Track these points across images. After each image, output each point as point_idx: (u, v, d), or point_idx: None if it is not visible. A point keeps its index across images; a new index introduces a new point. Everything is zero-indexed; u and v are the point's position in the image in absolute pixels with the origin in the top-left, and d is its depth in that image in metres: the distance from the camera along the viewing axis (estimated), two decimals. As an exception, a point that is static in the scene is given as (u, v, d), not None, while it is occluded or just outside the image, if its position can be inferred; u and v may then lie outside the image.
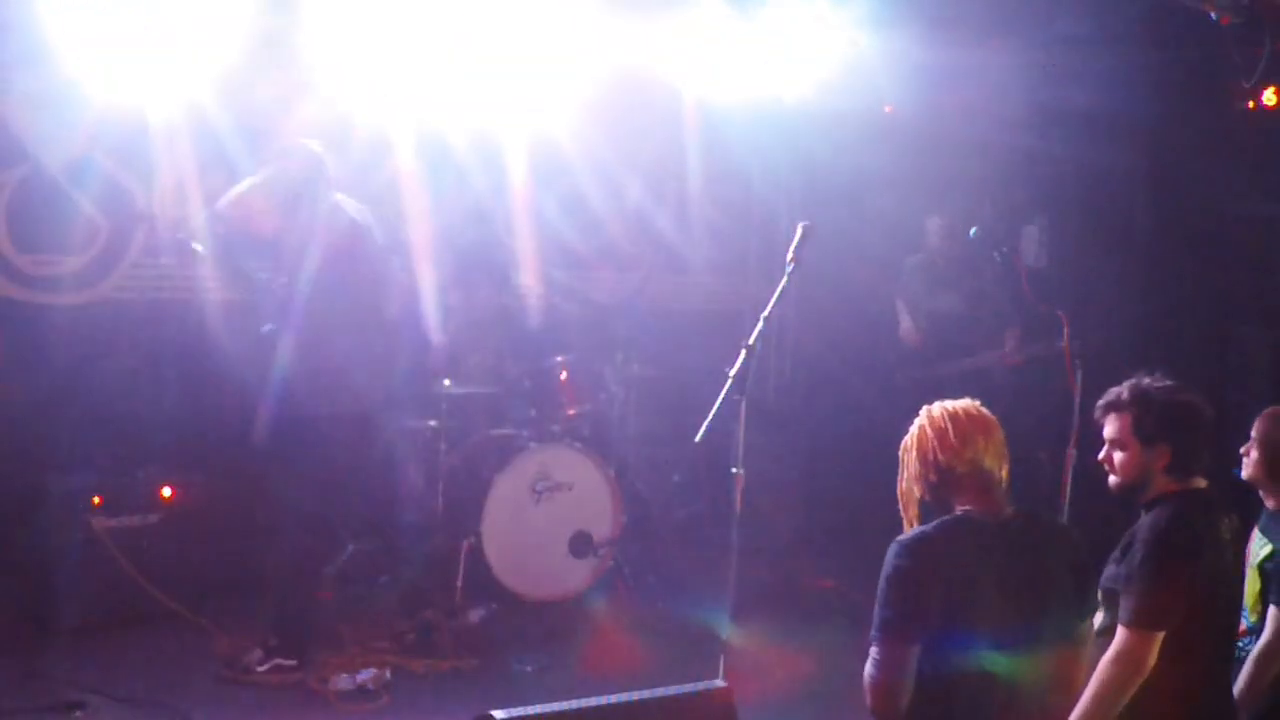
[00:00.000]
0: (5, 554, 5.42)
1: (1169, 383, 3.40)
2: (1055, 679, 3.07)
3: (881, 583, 2.95)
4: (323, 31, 5.94)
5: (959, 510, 3.02)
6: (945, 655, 2.88)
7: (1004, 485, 3.06)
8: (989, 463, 3.02)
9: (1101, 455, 3.48)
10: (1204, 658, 3.37)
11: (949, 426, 3.04)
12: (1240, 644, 3.70)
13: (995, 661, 2.88)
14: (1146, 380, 3.43)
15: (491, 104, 6.79)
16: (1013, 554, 2.98)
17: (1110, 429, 3.44)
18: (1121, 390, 3.45)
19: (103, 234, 6.30)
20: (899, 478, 3.15)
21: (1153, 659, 3.21)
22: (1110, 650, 3.22)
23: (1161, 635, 3.21)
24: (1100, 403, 3.48)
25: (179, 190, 6.43)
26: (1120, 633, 3.23)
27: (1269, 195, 6.40)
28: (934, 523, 3.00)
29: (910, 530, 3.00)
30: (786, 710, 4.94)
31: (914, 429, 3.13)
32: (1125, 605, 3.24)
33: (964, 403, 3.12)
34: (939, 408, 3.12)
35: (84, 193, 6.21)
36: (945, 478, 3.03)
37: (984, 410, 3.11)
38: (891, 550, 2.95)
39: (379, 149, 6.90)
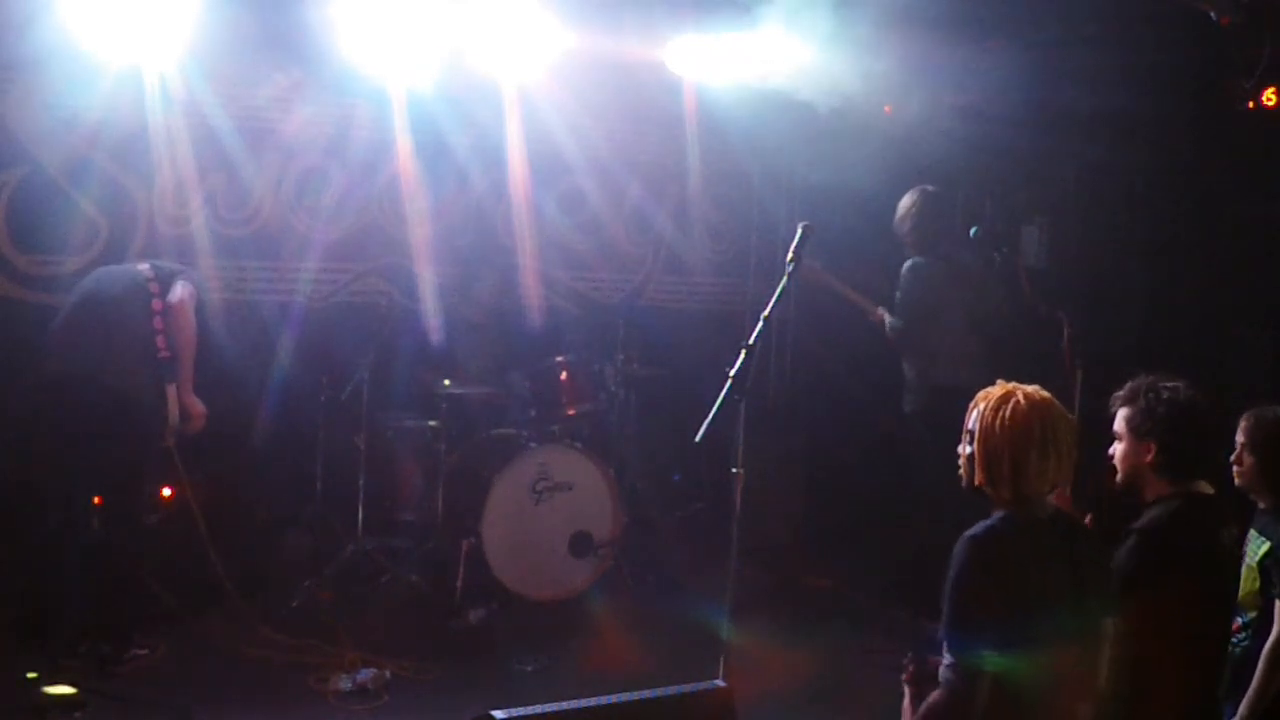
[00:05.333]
0: (4, 554, 5.42)
1: (1175, 383, 3.41)
2: (1087, 676, 3.06)
3: (955, 578, 2.89)
4: (325, 28, 5.96)
5: (1005, 510, 2.99)
6: (1009, 651, 2.86)
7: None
8: (1048, 483, 2.99)
9: (1110, 449, 3.50)
10: (1198, 662, 3.39)
11: (1044, 447, 2.93)
12: (1234, 640, 3.70)
13: (1043, 658, 2.87)
14: (1152, 377, 3.43)
15: (491, 102, 6.81)
16: (1058, 552, 2.97)
17: (1115, 423, 3.48)
18: (1127, 385, 3.47)
19: (103, 234, 6.31)
20: (969, 437, 3.03)
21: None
22: None
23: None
24: (1112, 398, 3.50)
25: (179, 190, 6.45)
26: None
27: (1269, 195, 6.39)
28: (996, 519, 2.96)
29: (978, 526, 2.96)
30: (786, 710, 4.94)
31: (1009, 415, 2.95)
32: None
33: (1043, 402, 2.99)
34: (1033, 407, 2.95)
35: (84, 193, 6.22)
36: (1014, 483, 2.97)
37: (1055, 413, 2.99)
38: (962, 545, 2.91)
39: (379, 149, 6.92)
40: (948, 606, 2.92)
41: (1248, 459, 3.75)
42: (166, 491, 5.78)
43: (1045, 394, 3.02)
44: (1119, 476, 3.47)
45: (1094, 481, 3.84)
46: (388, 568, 6.29)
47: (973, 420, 3.02)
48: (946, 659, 2.94)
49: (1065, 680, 2.92)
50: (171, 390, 5.32)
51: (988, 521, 2.97)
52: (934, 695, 2.96)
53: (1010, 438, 2.94)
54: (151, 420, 5.29)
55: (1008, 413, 2.95)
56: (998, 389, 3.02)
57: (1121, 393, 3.49)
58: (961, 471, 3.07)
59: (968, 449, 3.03)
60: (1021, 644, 2.86)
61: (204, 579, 5.67)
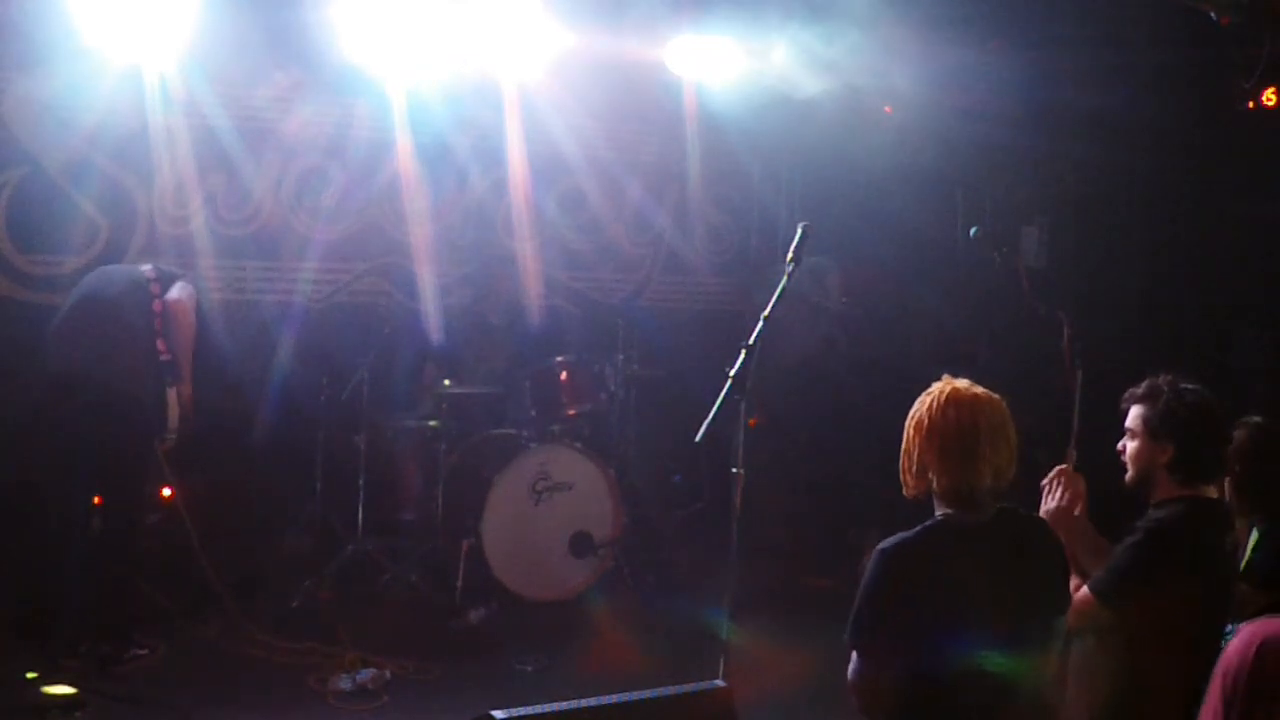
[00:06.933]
0: (4, 554, 5.42)
1: (1192, 385, 3.40)
2: (1045, 677, 3.05)
3: (860, 589, 2.90)
4: (325, 28, 5.96)
5: (940, 513, 2.98)
6: (936, 658, 2.86)
7: (993, 483, 2.93)
8: (981, 477, 2.90)
9: (1119, 444, 3.49)
10: (1200, 663, 3.39)
11: (952, 443, 2.88)
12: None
13: (987, 662, 2.85)
14: (1171, 378, 3.42)
15: (491, 102, 6.82)
16: (997, 554, 2.94)
17: (1129, 419, 3.46)
18: (1146, 383, 3.45)
19: (103, 234, 6.31)
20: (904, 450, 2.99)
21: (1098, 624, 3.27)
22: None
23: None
24: (1126, 394, 3.49)
25: (179, 190, 6.45)
26: (1082, 592, 3.29)
27: (1269, 195, 6.39)
28: (916, 529, 2.93)
29: (892, 538, 2.94)
30: (786, 710, 4.93)
31: (923, 417, 2.92)
32: (1097, 574, 3.30)
33: (968, 398, 2.92)
34: (946, 407, 2.90)
35: (84, 193, 6.22)
36: (939, 484, 2.96)
37: (984, 405, 2.92)
38: (873, 558, 2.89)
39: (379, 149, 6.92)
40: (851, 616, 2.90)
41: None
42: (166, 491, 5.78)
43: (967, 392, 2.93)
44: (1130, 475, 3.45)
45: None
46: (388, 568, 6.28)
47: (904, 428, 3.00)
48: (852, 657, 2.93)
49: (1001, 684, 2.88)
50: (172, 394, 5.31)
51: (905, 533, 2.91)
52: (850, 673, 2.94)
53: (924, 440, 2.91)
54: (152, 421, 5.29)
55: (922, 415, 2.92)
56: (928, 391, 2.98)
57: (1138, 390, 3.45)
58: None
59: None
60: (931, 653, 2.83)
61: (203, 579, 5.67)
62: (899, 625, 2.85)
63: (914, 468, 2.96)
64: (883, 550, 2.89)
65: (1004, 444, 2.92)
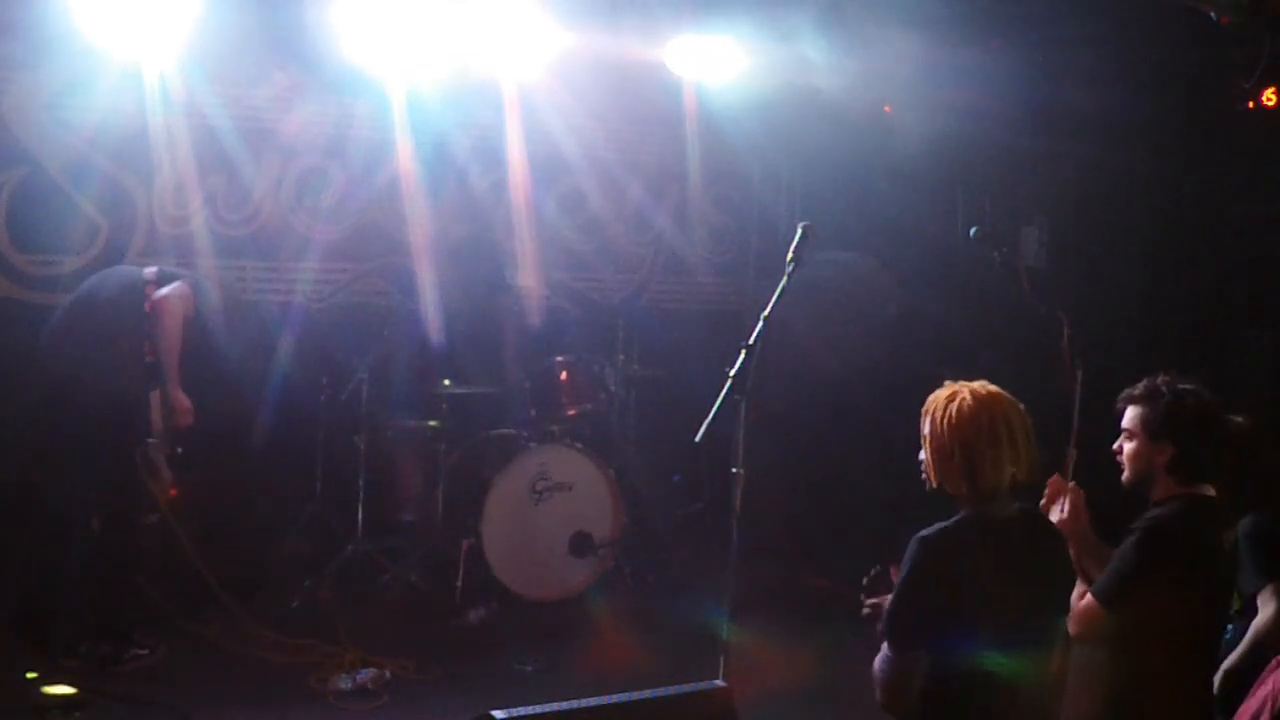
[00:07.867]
0: (4, 554, 5.42)
1: (1192, 386, 3.40)
2: (1047, 675, 3.06)
3: (901, 577, 2.91)
4: (325, 28, 5.96)
5: (971, 508, 2.99)
6: (959, 653, 2.86)
7: (1016, 482, 2.98)
8: (1010, 476, 2.95)
9: (1115, 444, 3.49)
10: (1200, 662, 3.40)
11: (987, 441, 2.91)
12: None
13: (1006, 660, 2.86)
14: (1169, 378, 3.42)
15: (491, 102, 6.82)
16: (1017, 552, 2.97)
17: (1126, 419, 3.46)
18: (1143, 383, 3.45)
19: (103, 234, 6.31)
20: (924, 442, 3.02)
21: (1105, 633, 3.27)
22: (1075, 612, 3.27)
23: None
24: (1123, 394, 3.49)
25: (179, 190, 6.45)
26: (1086, 601, 3.30)
27: (1269, 195, 6.39)
28: (954, 520, 2.96)
29: (932, 527, 2.95)
30: (786, 710, 4.93)
31: (955, 413, 2.94)
32: (1099, 580, 3.31)
33: (1003, 399, 2.97)
34: (979, 402, 2.94)
35: (84, 193, 6.22)
36: (969, 481, 2.97)
37: (1013, 407, 2.97)
38: (913, 546, 2.91)
39: (379, 149, 6.92)
40: (891, 603, 2.93)
41: None
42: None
43: (993, 389, 2.99)
44: (1127, 474, 3.46)
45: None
46: (388, 568, 6.29)
47: (925, 425, 3.00)
48: (883, 647, 2.94)
49: (1018, 681, 2.90)
50: (155, 396, 5.29)
51: (942, 523, 2.95)
52: (877, 666, 2.97)
53: (959, 435, 2.92)
54: (141, 422, 5.27)
55: (954, 411, 2.94)
56: (945, 390, 3.00)
57: (1136, 390, 3.45)
58: (924, 476, 3.05)
59: (923, 454, 3.02)
60: (964, 646, 2.85)
61: (203, 579, 5.67)
62: (933, 615, 2.87)
63: (950, 465, 2.94)
64: (924, 539, 2.91)
65: (1030, 444, 2.97)
